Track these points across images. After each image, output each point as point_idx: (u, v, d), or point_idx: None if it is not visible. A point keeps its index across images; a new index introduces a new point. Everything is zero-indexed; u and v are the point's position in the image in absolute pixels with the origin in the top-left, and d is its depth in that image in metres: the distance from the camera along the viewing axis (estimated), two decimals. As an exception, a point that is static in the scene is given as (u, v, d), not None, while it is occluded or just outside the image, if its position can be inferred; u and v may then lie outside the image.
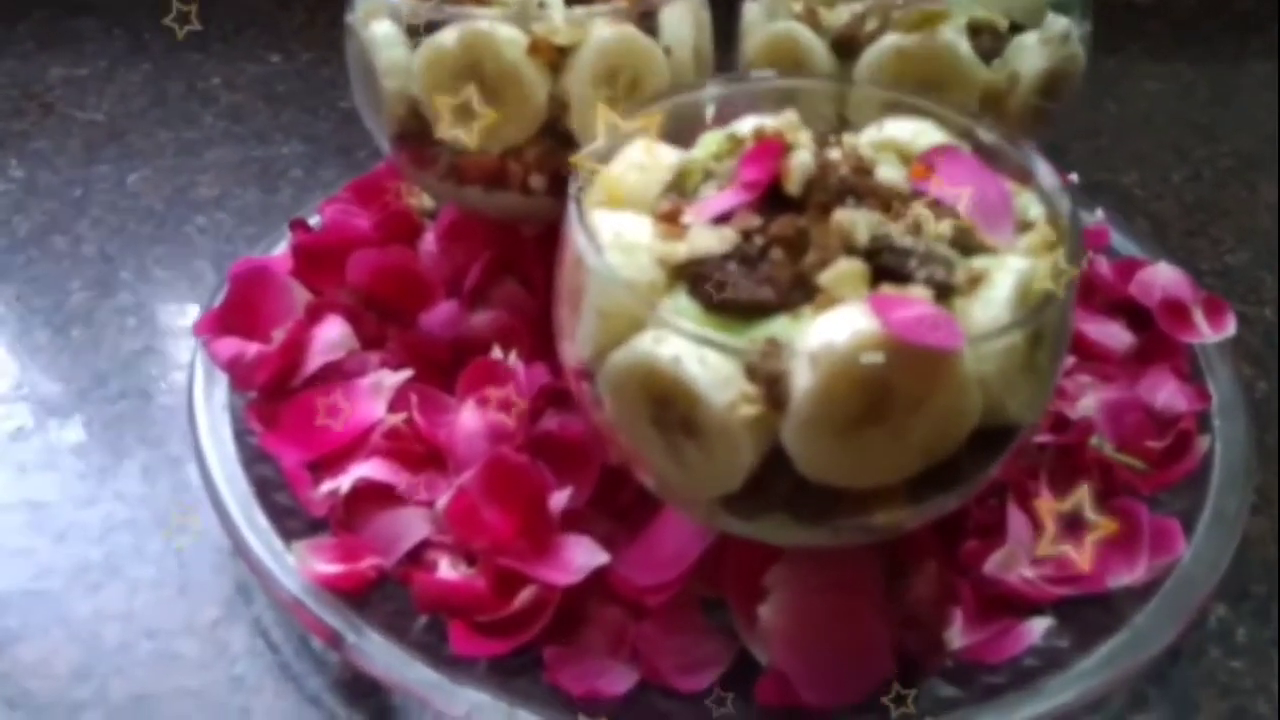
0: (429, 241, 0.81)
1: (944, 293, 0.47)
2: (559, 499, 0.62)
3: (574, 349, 0.51)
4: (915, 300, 0.45)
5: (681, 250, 0.49)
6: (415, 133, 0.69)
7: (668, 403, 0.47)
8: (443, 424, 0.68)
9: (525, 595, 0.58)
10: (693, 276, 0.48)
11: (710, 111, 0.60)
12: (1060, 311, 0.48)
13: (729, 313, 0.47)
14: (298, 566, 0.61)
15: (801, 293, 0.47)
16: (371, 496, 0.65)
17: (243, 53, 1.21)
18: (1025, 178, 0.55)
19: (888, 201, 0.50)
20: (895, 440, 0.45)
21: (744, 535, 0.52)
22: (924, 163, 0.52)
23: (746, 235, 0.49)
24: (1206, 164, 1.06)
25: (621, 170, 0.55)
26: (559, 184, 0.64)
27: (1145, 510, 0.64)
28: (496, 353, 0.70)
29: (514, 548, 0.61)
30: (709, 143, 0.58)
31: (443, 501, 0.64)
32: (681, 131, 0.59)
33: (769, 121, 0.54)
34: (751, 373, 0.45)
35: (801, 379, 0.44)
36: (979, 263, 0.48)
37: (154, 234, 0.94)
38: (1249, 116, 1.11)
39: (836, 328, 0.44)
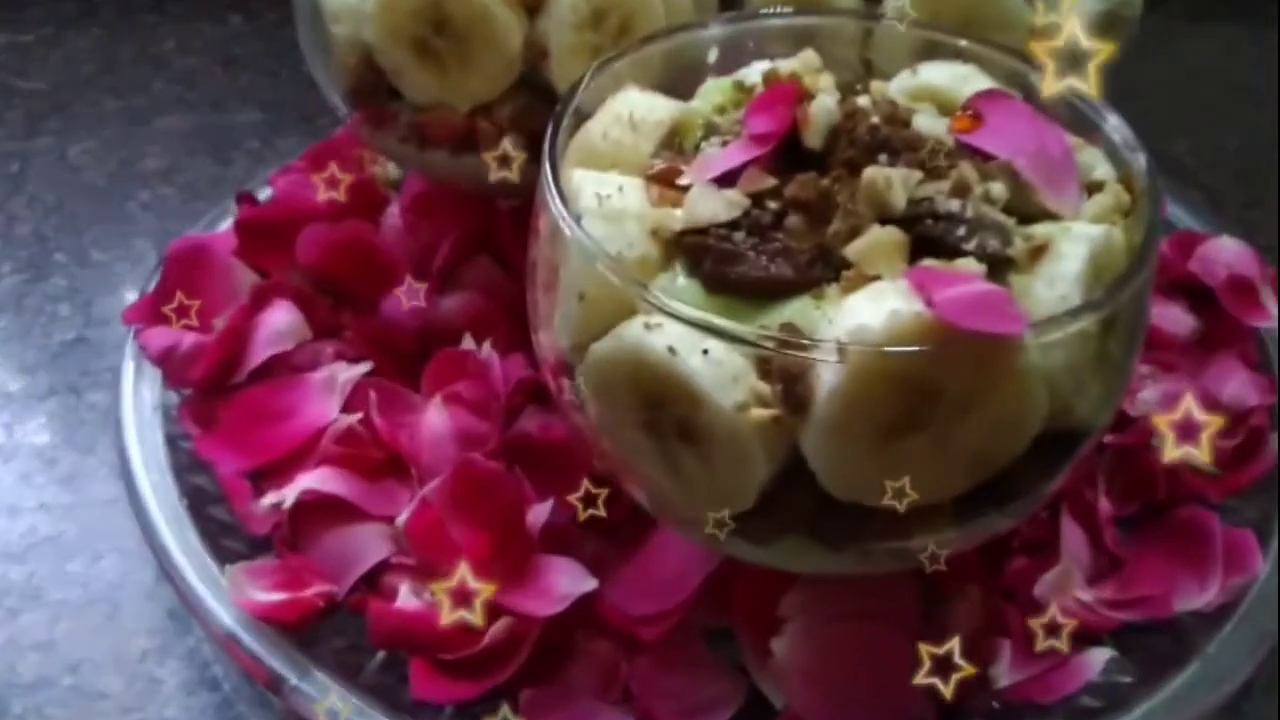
0: (393, 215, 0.72)
1: (999, 267, 0.38)
2: (539, 513, 0.54)
3: (550, 339, 0.42)
4: (965, 275, 0.36)
5: (678, 218, 0.40)
6: (370, 87, 0.60)
7: (662, 403, 0.38)
8: (406, 425, 0.60)
9: (499, 628, 0.49)
10: (692, 250, 0.40)
11: (713, 55, 0.51)
12: (1139, 290, 0.39)
13: (737, 294, 0.39)
14: (233, 594, 0.53)
15: (825, 269, 0.39)
16: (321, 511, 0.56)
17: (201, 12, 1.12)
18: (1089, 132, 0.46)
19: (928, 158, 0.41)
20: (941, 450, 0.36)
21: (755, 562, 0.43)
22: (969, 112, 0.43)
23: (757, 199, 0.40)
24: (1259, 130, 0.97)
25: (606, 124, 0.46)
26: (538, 146, 0.55)
27: (1216, 521, 0.56)
28: (468, 343, 0.61)
29: (486, 571, 0.52)
30: (711, 92, 0.49)
31: (404, 516, 0.55)
32: (680, 80, 0.50)
33: (783, 64, 0.45)
34: (765, 368, 0.36)
35: (827, 376, 0.35)
36: (1041, 230, 0.40)
37: (94, 212, 0.86)
38: (1299, 78, 1.02)
39: (869, 312, 0.35)
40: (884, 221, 0.39)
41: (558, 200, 0.40)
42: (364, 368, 0.62)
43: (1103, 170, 0.44)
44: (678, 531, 0.43)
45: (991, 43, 0.50)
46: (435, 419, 0.58)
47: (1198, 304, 0.69)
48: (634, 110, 0.46)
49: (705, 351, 0.36)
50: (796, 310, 0.37)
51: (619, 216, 0.40)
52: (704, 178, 0.41)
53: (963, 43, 0.49)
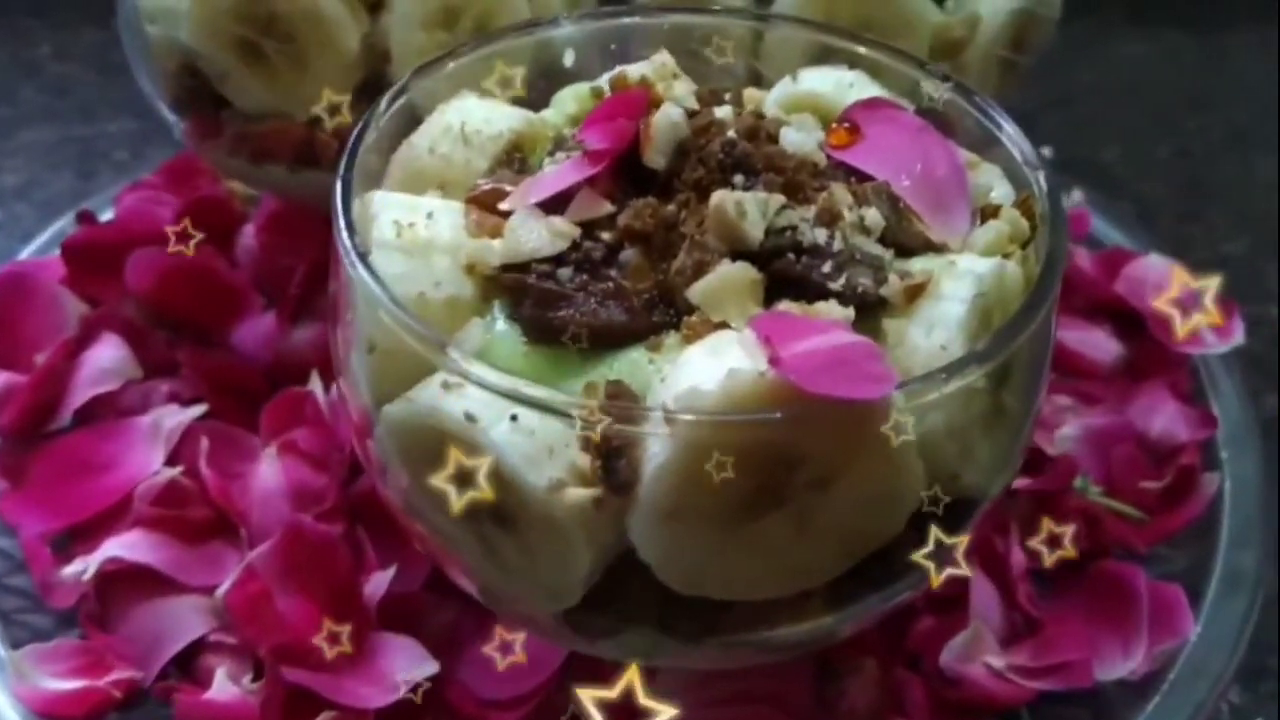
0: (248, 235, 0.65)
1: (871, 309, 0.32)
2: (378, 583, 0.47)
3: (350, 391, 0.35)
4: (821, 324, 0.30)
5: (496, 250, 0.33)
6: (194, 94, 0.53)
7: (469, 480, 0.31)
8: (241, 477, 0.52)
9: (320, 723, 0.42)
10: (512, 289, 0.33)
11: (570, 58, 0.45)
12: (1038, 333, 0.33)
13: (561, 344, 0.32)
14: (14, 684, 0.45)
15: (666, 313, 0.32)
16: (131, 581, 0.49)
17: (85, 16, 1.04)
18: (986, 146, 0.40)
19: (795, 179, 0.34)
20: (803, 532, 0.30)
21: (607, 656, 0.36)
22: (846, 124, 0.37)
23: (590, 228, 0.34)
24: (1196, 138, 0.93)
25: (434, 137, 0.39)
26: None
27: (1143, 576, 0.50)
28: (314, 383, 0.54)
29: (315, 653, 0.45)
30: (566, 100, 0.43)
31: (225, 587, 0.48)
32: (537, 88, 0.44)
33: (633, 68, 0.38)
34: (586, 439, 0.29)
35: (655, 449, 0.28)
36: (921, 265, 0.34)
37: (-60, 233, 0.77)
38: (1242, 85, 0.98)
39: (705, 370, 0.29)
40: (736, 256, 0.32)
41: (344, 231, 0.33)
42: (196, 411, 0.55)
43: (1000, 191, 0.38)
44: (516, 625, 0.37)
45: (891, 48, 0.44)
46: (267, 473, 0.51)
47: (1123, 328, 0.64)
48: (468, 121, 0.39)
49: (514, 418, 0.30)
50: (628, 365, 0.31)
51: (424, 249, 0.33)
52: (528, 202, 0.34)
53: (860, 48, 0.43)
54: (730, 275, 0.31)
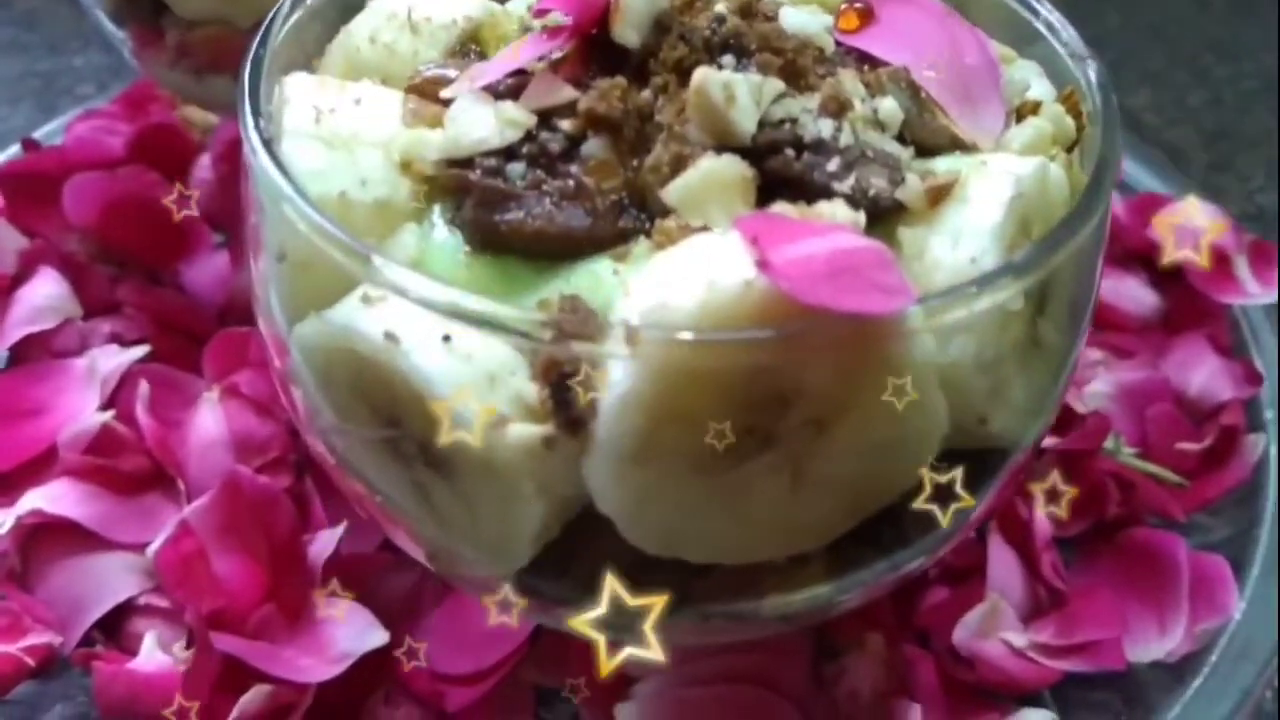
0: (204, 167, 0.59)
1: (883, 215, 0.26)
2: (325, 542, 0.42)
3: (263, 320, 0.30)
4: (822, 225, 0.24)
5: (434, 143, 0.28)
6: (136, 6, 0.47)
7: (396, 416, 0.26)
8: (181, 426, 0.47)
9: (252, 697, 0.37)
10: (453, 189, 0.27)
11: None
12: (1084, 247, 0.27)
13: (511, 251, 0.26)
14: (-82, 649, 0.40)
15: (635, 217, 0.27)
16: (56, 537, 0.44)
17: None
18: (1022, 40, 0.34)
19: (796, 63, 0.29)
20: (795, 482, 0.25)
21: (562, 629, 0.31)
22: (858, 4, 0.31)
23: (546, 117, 0.28)
24: (1227, 85, 0.88)
25: (376, 25, 0.33)
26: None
27: (1183, 547, 0.45)
28: (263, 321, 0.49)
29: (252, 619, 0.40)
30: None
31: (156, 544, 0.43)
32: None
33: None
34: (537, 366, 0.24)
35: (617, 376, 0.23)
36: (946, 165, 0.28)
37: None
38: (1274, 30, 0.92)
39: (680, 281, 0.23)
40: (723, 151, 0.27)
41: (248, 114, 0.27)
42: (137, 353, 0.50)
43: (1039, 89, 0.32)
44: (472, 593, 0.31)
45: None
46: (207, 420, 0.46)
47: (1159, 277, 0.58)
48: (415, 6, 0.34)
49: (446, 339, 0.24)
50: (588, 278, 0.26)
51: (349, 140, 0.28)
52: (475, 85, 0.29)
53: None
54: (714, 171, 0.26)
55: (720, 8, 0.29)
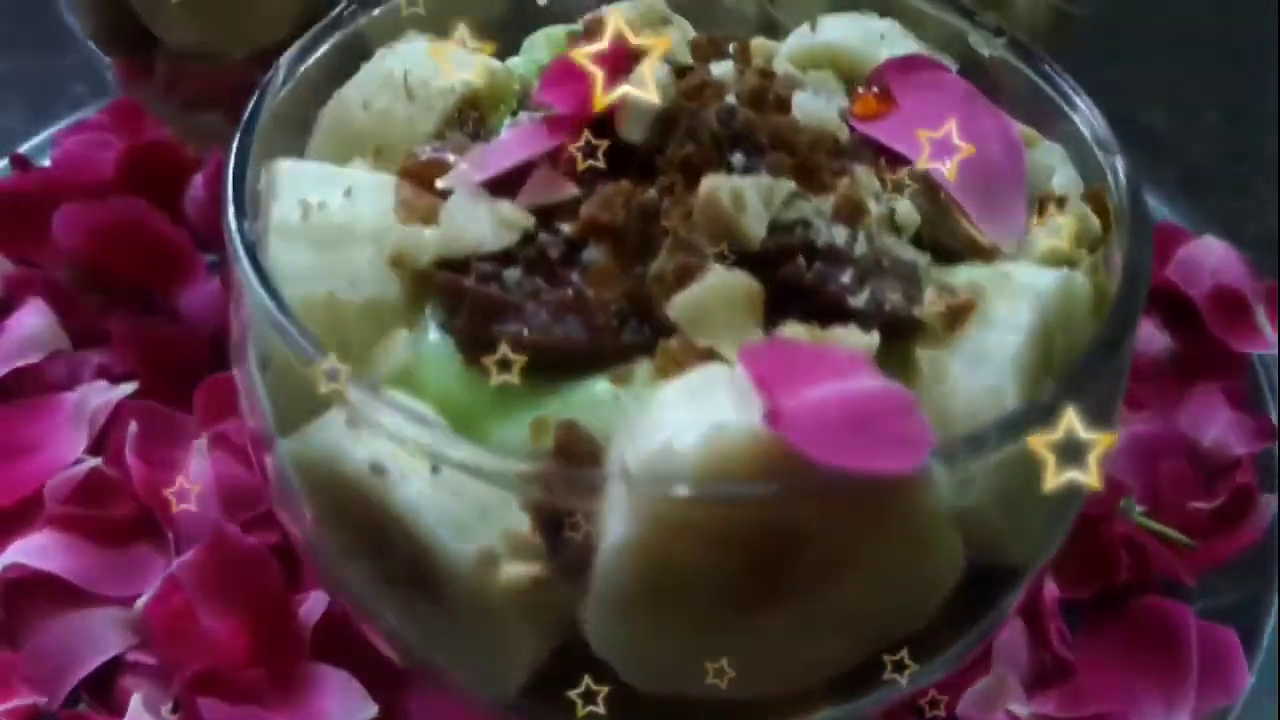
0: (197, 187, 0.58)
1: (898, 331, 0.25)
2: (315, 603, 0.41)
3: (246, 410, 0.29)
4: (841, 358, 0.23)
5: (428, 241, 0.26)
6: (120, 29, 0.46)
7: (383, 539, 0.25)
8: (173, 465, 0.46)
9: (238, 769, 0.36)
10: (446, 293, 0.26)
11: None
12: (1113, 373, 0.26)
13: (505, 369, 0.25)
14: (-103, 711, 0.39)
15: (638, 331, 0.25)
16: (41, 590, 0.43)
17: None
18: (1046, 119, 0.32)
19: (809, 160, 0.27)
20: (802, 627, 0.23)
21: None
22: (875, 88, 0.30)
23: (547, 216, 0.27)
24: (1248, 101, 0.85)
25: (371, 89, 0.32)
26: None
27: (1192, 617, 0.44)
28: (257, 362, 0.48)
29: (240, 680, 0.39)
30: (538, 45, 0.36)
31: (145, 599, 0.42)
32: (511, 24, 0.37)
33: (614, 8, 0.31)
34: (529, 503, 0.23)
35: (615, 523, 0.22)
36: (966, 275, 0.27)
37: None
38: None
39: (684, 422, 0.22)
40: (728, 258, 0.25)
41: (230, 211, 0.26)
42: (126, 389, 0.49)
43: (1064, 176, 0.31)
44: (453, 699, 0.31)
45: None
46: (196, 469, 0.45)
47: (1174, 319, 0.56)
48: (412, 70, 0.32)
49: (435, 469, 0.23)
50: (587, 399, 0.24)
51: (339, 237, 0.26)
52: (473, 179, 0.27)
53: (887, -12, 0.35)
54: (721, 286, 0.25)
55: (730, 98, 0.28)
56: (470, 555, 0.23)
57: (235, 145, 0.28)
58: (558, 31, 0.36)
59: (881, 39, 0.34)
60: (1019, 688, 0.43)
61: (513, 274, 0.26)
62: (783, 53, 0.35)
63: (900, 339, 0.25)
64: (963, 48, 0.35)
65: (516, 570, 0.23)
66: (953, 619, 0.26)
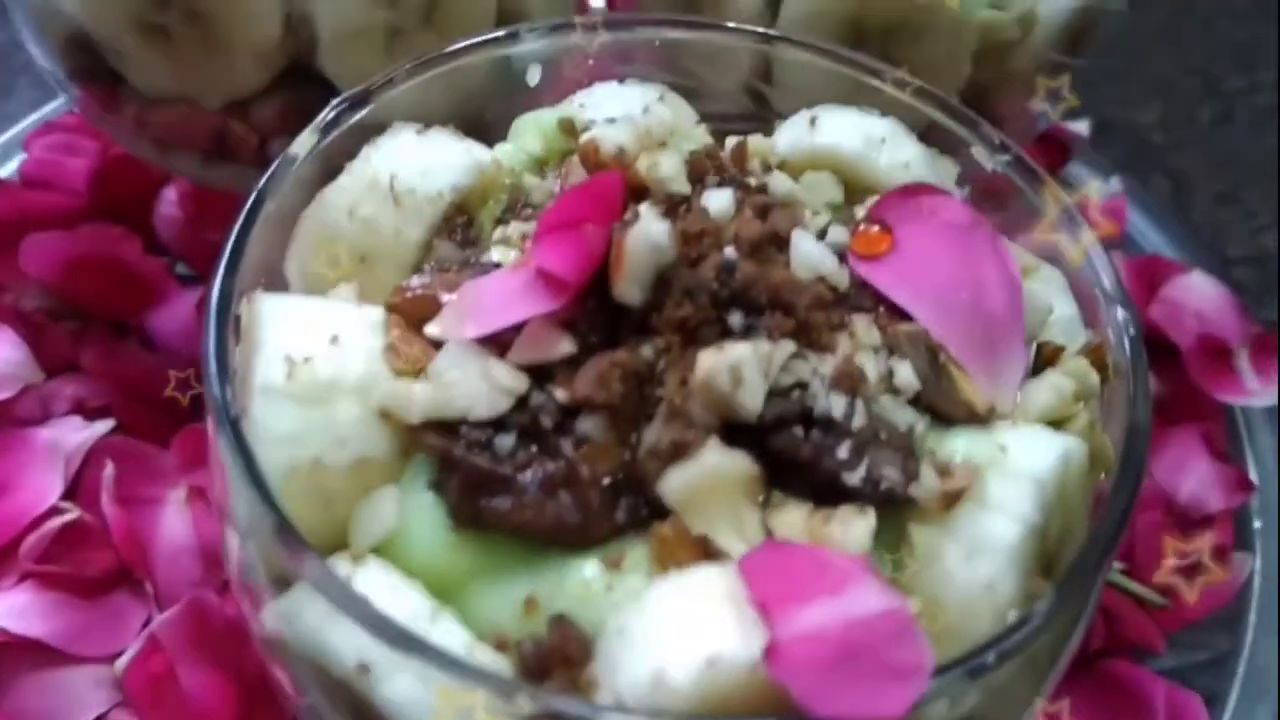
0: (168, 202, 0.56)
1: (891, 504, 0.25)
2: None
3: (232, 573, 0.28)
4: (840, 569, 0.23)
5: (417, 400, 0.26)
6: (90, 68, 0.43)
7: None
8: (151, 505, 0.46)
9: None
10: (438, 458, 0.26)
11: (535, 75, 0.36)
12: (1108, 562, 0.26)
13: (499, 530, 0.25)
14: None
15: (630, 510, 0.25)
16: (19, 651, 0.43)
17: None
18: (1046, 243, 0.32)
19: (808, 319, 0.27)
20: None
21: None
22: (876, 225, 0.29)
23: (541, 374, 0.26)
24: (1242, 98, 0.83)
25: (356, 195, 0.31)
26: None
27: (1161, 686, 0.45)
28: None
29: (223, 751, 0.40)
30: (528, 132, 0.35)
31: (125, 659, 0.42)
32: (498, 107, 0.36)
33: (610, 132, 0.30)
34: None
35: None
36: (963, 445, 0.26)
37: None
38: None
39: (677, 648, 0.22)
40: (727, 429, 0.25)
41: (214, 376, 0.25)
42: (102, 428, 0.48)
43: (1063, 311, 0.30)
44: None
45: (926, 59, 0.36)
46: (174, 524, 0.45)
47: (1154, 359, 0.56)
48: (399, 174, 0.31)
49: (420, 673, 0.23)
50: (578, 588, 0.24)
51: (325, 394, 0.26)
52: (464, 332, 0.26)
53: (882, 82, 0.34)
54: (717, 470, 0.24)
55: (729, 251, 0.27)
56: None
57: (215, 290, 0.27)
58: (547, 118, 0.35)
59: (882, 143, 0.33)
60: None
61: (505, 441, 0.25)
62: (781, 145, 0.34)
63: (895, 512, 0.25)
64: (965, 153, 0.34)
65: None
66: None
